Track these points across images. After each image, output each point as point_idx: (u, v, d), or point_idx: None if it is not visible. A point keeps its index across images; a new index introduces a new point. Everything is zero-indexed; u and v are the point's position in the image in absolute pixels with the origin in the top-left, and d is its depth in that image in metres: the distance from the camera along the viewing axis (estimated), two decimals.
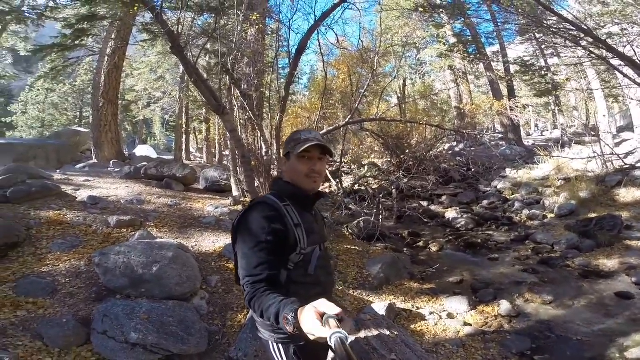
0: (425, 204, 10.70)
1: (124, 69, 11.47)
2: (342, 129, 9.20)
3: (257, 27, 6.40)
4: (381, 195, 8.01)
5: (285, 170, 1.44)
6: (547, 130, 19.02)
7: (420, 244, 7.64)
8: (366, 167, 11.31)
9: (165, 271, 3.33)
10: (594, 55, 6.56)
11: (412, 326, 3.71)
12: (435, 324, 3.82)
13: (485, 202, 10.48)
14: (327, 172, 11.99)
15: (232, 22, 5.95)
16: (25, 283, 3.41)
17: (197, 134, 20.23)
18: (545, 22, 6.33)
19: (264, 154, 8.27)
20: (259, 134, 8.22)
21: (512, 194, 10.66)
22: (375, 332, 2.25)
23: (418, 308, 4.19)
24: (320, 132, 8.68)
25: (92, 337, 2.63)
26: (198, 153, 20.67)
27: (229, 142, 8.84)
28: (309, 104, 11.26)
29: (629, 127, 12.80)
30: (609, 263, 5.74)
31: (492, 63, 11.78)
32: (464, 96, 13.56)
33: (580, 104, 16.99)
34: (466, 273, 5.74)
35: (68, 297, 3.31)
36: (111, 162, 11.15)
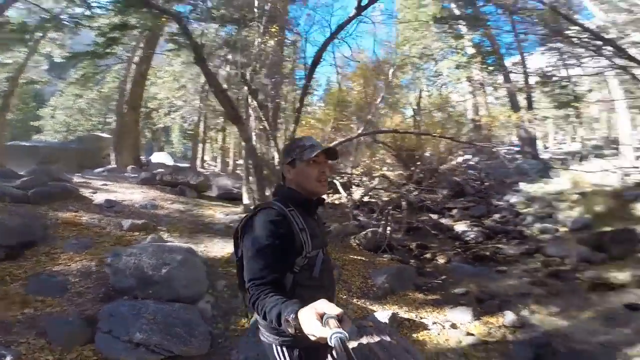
0: (435, 216, 10.63)
1: (148, 77, 12.01)
2: (355, 140, 9.29)
3: (276, 39, 6.63)
4: (390, 208, 8.02)
5: (291, 178, 1.46)
6: (565, 143, 18.64)
7: (428, 256, 7.58)
8: (377, 180, 11.34)
9: (174, 274, 3.47)
10: (616, 65, 6.51)
11: (414, 335, 3.71)
12: (438, 334, 3.81)
13: (496, 216, 10.33)
14: (338, 183, 12.00)
15: (252, 34, 6.18)
16: (36, 281, 3.54)
17: (212, 142, 20.74)
18: (566, 32, 6.33)
19: (276, 163, 8.45)
20: (273, 144, 8.42)
21: (525, 208, 10.47)
22: (376, 339, 2.29)
23: (421, 318, 4.19)
24: (333, 143, 8.82)
25: (96, 336, 2.74)
26: (212, 161, 21.15)
27: (243, 151, 9.07)
28: (323, 115, 11.43)
29: None
30: (621, 275, 5.58)
31: (510, 74, 11.68)
32: (480, 108, 13.45)
33: (601, 115, 16.58)
34: (472, 285, 5.67)
35: (76, 297, 3.42)
36: (129, 168, 11.56)
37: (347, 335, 0.80)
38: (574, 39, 6.61)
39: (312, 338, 0.89)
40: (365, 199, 11.74)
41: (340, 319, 0.87)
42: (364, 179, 13.40)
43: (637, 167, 9.95)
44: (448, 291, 5.36)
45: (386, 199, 10.76)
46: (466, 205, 11.06)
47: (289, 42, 8.64)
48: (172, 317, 2.86)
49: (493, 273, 6.39)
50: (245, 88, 7.46)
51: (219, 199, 9.59)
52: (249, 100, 7.53)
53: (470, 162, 14.41)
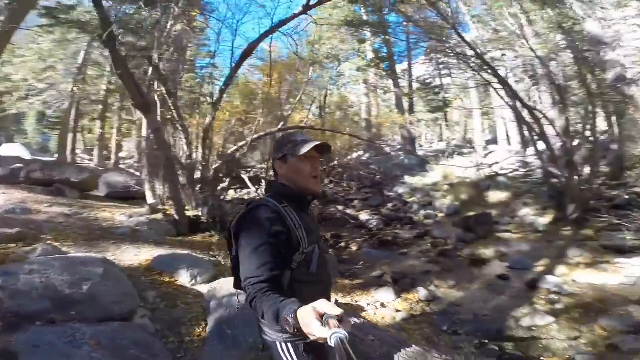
0: (341, 208, 11.48)
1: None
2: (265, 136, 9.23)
3: (190, 24, 6.04)
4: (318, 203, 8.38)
5: (283, 173, 1.42)
6: (434, 142, 22.49)
7: (342, 244, 8.21)
8: None
9: (99, 289, 2.95)
10: (478, 78, 8.16)
11: None
12: (374, 313, 4.28)
13: (390, 205, 11.79)
14: (246, 178, 11.75)
15: (164, 16, 5.47)
16: None
17: (84, 133, 17.36)
18: (446, 44, 7.64)
19: (186, 157, 7.79)
20: (183, 136, 7.73)
21: (411, 198, 12.25)
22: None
23: (356, 301, 4.61)
24: (250, 138, 8.60)
25: None
26: (86, 154, 17.78)
27: (143, 144, 8.01)
28: (230, 107, 10.94)
29: (495, 141, 16.16)
30: (487, 252, 7.18)
31: (399, 80, 13.49)
32: (372, 109, 15.07)
33: (461, 119, 20.87)
34: (385, 267, 6.46)
35: None
36: None
37: (347, 335, 0.81)
38: (451, 51, 8.02)
39: (312, 338, 0.89)
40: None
41: (340, 319, 0.87)
42: (272, 173, 13.51)
43: (486, 163, 12.76)
44: (367, 275, 5.98)
45: None
46: (365, 197, 12.28)
47: (199, 29, 7.99)
48: (119, 338, 2.46)
49: (397, 255, 7.38)
50: (151, 73, 6.66)
51: (111, 199, 8.27)
52: (156, 86, 6.74)
53: (363, 159, 16.02)
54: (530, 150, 12.31)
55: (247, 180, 11.40)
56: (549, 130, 8.85)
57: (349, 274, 5.99)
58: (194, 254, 4.93)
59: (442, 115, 16.38)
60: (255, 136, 8.00)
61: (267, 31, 5.73)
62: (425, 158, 15.41)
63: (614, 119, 9.66)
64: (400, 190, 12.85)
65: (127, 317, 3.01)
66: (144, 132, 8.28)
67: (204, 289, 3.75)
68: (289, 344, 1.30)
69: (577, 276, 5.44)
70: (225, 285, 3.69)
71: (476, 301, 4.82)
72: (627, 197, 8.33)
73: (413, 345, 2.26)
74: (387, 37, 10.81)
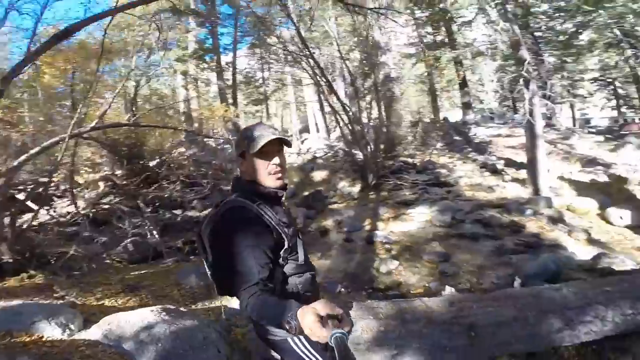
0: (179, 212, 10.58)
1: None
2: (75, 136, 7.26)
3: None
4: (149, 210, 7.36)
5: (244, 170, 1.38)
6: None
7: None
8: (102, 185, 9.46)
9: None
10: (298, 72, 9.24)
11: None
12: None
13: None
14: (22, 197, 8.81)
15: None
16: None
17: None
18: (272, 38, 8.26)
19: None
20: None
21: None
22: None
23: None
24: (45, 144, 6.62)
25: None
26: None
27: None
28: None
29: (307, 129, 18.54)
30: (328, 222, 8.56)
31: (223, 72, 13.20)
32: (193, 102, 14.03)
33: (278, 111, 22.55)
34: None
35: None
36: None
37: (347, 335, 0.84)
38: (283, 47, 8.80)
39: (313, 338, 0.90)
40: (70, 208, 9.64)
41: (340, 319, 0.89)
42: (63, 186, 10.66)
43: (305, 149, 14.76)
44: None
45: (120, 205, 9.38)
46: (204, 195, 11.77)
47: None
48: None
49: None
50: None
51: None
52: None
53: (186, 155, 14.98)
54: (334, 135, 15.08)
55: (22, 198, 8.43)
56: (346, 118, 11.22)
57: None
58: (35, 302, 3.72)
59: (263, 107, 17.37)
60: (45, 144, 6.33)
61: (102, 13, 4.47)
62: None
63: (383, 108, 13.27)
64: None
65: None
66: None
67: (91, 335, 2.96)
68: (300, 336, 1.27)
69: (392, 227, 7.38)
70: (119, 321, 3.09)
71: (342, 263, 5.89)
72: (399, 164, 11.80)
73: (353, 302, 2.80)
74: (215, 28, 10.38)
